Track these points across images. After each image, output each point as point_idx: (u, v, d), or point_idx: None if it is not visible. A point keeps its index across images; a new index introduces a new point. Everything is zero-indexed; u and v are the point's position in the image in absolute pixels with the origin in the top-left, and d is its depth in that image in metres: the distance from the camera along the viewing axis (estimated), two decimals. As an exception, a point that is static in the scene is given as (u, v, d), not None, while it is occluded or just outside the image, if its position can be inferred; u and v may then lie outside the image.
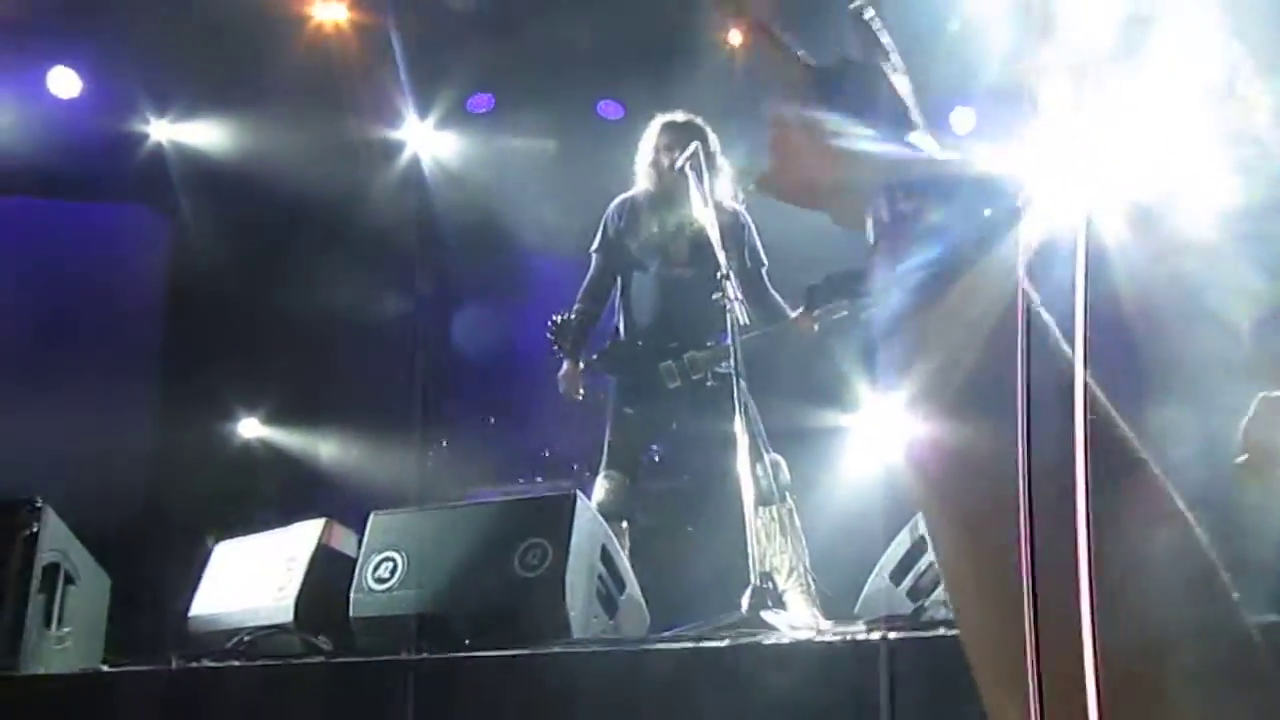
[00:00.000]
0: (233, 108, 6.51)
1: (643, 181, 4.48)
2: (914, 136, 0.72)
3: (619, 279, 4.51)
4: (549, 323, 4.44)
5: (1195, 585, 0.51)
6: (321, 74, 6.27)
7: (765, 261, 4.47)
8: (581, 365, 4.44)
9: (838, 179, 0.73)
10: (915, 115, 0.74)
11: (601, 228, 4.52)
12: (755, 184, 0.82)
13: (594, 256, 4.53)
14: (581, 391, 4.44)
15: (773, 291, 4.41)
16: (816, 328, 4.23)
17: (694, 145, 4.07)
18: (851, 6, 0.83)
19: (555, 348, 4.42)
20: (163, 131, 6.62)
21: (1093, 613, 0.48)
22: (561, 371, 4.44)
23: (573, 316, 4.45)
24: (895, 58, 0.80)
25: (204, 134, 6.63)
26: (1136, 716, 0.50)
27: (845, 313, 4.18)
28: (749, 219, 4.48)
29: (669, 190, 4.34)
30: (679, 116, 4.46)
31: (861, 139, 0.72)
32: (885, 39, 0.81)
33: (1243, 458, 0.98)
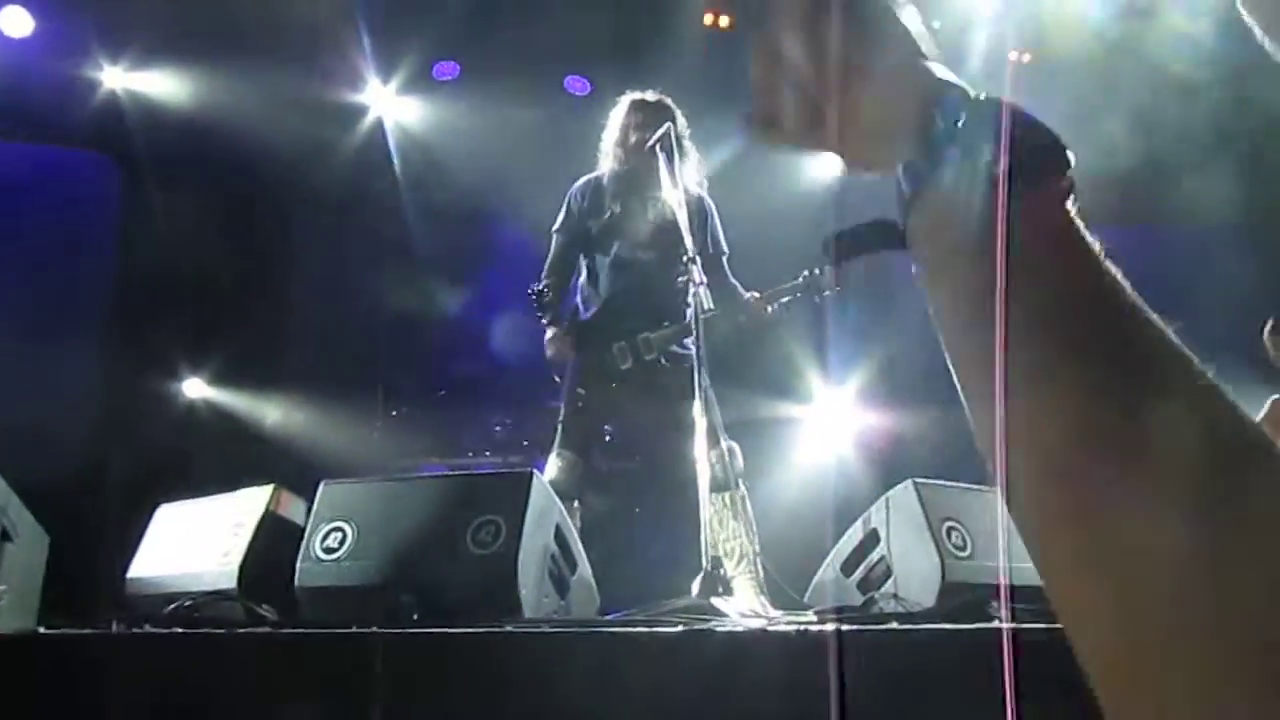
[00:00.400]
0: (189, 59, 6.35)
1: (608, 161, 4.45)
2: (932, 66, 0.67)
3: (580, 259, 4.48)
4: (530, 291, 4.37)
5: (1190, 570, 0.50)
6: (283, 29, 6.13)
7: (726, 249, 4.46)
8: (568, 333, 4.37)
9: (852, 108, 0.67)
10: (929, 45, 0.68)
11: (564, 207, 4.48)
12: (749, 129, 0.74)
13: (555, 236, 4.50)
14: (570, 349, 4.36)
15: (732, 279, 4.40)
16: (770, 310, 4.24)
17: (666, 125, 4.05)
18: None
19: (540, 315, 4.36)
20: (117, 79, 6.44)
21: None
22: (549, 336, 4.37)
23: (544, 288, 4.40)
24: None
25: (159, 84, 6.46)
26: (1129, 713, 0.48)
27: (799, 295, 4.20)
28: (712, 206, 4.47)
29: (635, 171, 4.31)
30: (649, 96, 4.43)
31: (881, 61, 0.66)
32: None
33: None
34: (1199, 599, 0.45)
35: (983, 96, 0.62)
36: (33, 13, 6.01)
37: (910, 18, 0.70)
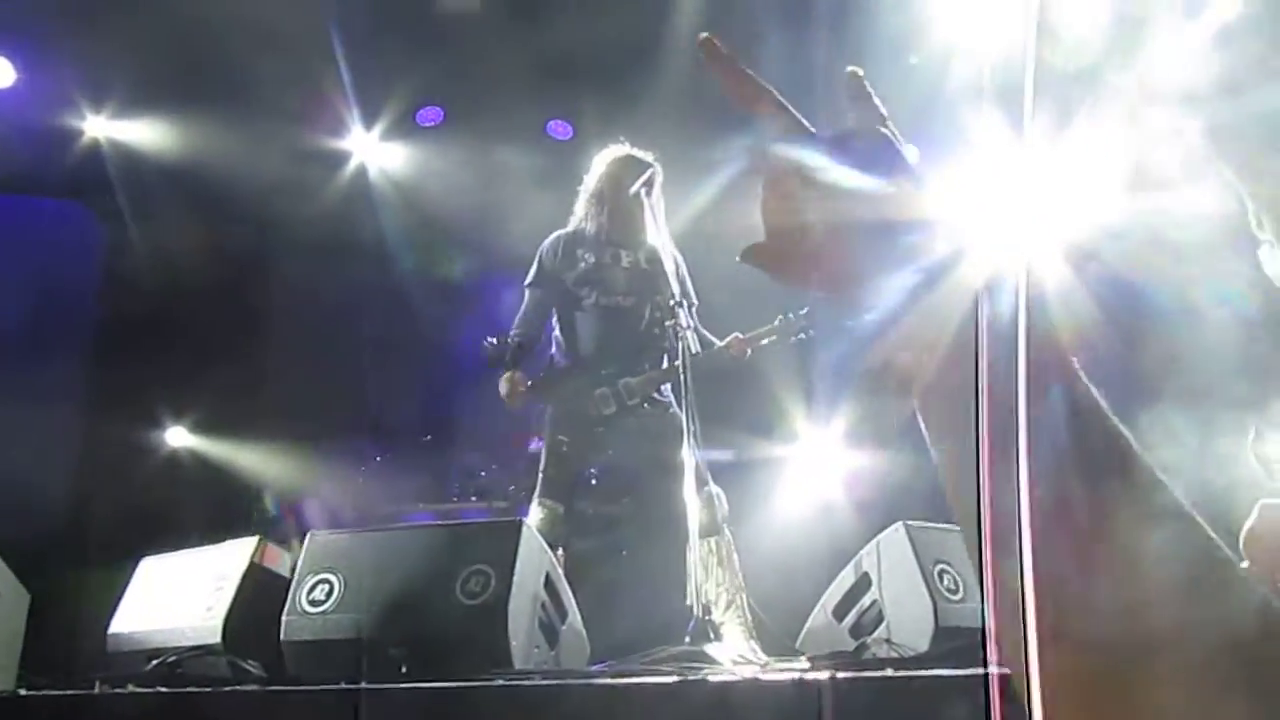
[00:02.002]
0: (173, 106, 6.34)
1: (586, 212, 4.48)
2: (926, 204, 0.70)
3: (555, 312, 4.49)
4: (483, 342, 4.39)
5: (1188, 584, 0.51)
6: (266, 77, 6.15)
7: (695, 300, 4.46)
8: (522, 376, 4.36)
9: (846, 260, 0.71)
10: (926, 182, 0.72)
11: (537, 261, 4.50)
12: (744, 256, 0.78)
13: (527, 291, 4.51)
14: (524, 390, 4.34)
15: (701, 328, 4.41)
16: (749, 352, 4.25)
17: (651, 170, 4.08)
18: (848, 71, 0.81)
19: (491, 364, 4.37)
20: (99, 128, 6.43)
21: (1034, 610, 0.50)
22: (503, 379, 4.35)
23: (509, 339, 4.41)
24: (892, 125, 0.78)
25: (142, 133, 6.44)
26: (1126, 714, 0.49)
27: (775, 338, 4.22)
28: (678, 254, 4.48)
29: (617, 223, 4.34)
30: (638, 152, 4.46)
31: (878, 212, 0.70)
32: (881, 107, 0.79)
33: (1244, 565, 0.98)
34: None
35: None
36: (15, 63, 6.00)
37: (909, 152, 0.74)
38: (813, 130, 0.75)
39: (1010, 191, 0.68)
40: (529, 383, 4.35)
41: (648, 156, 4.38)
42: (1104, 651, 0.50)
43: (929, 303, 0.65)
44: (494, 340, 4.39)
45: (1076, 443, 0.54)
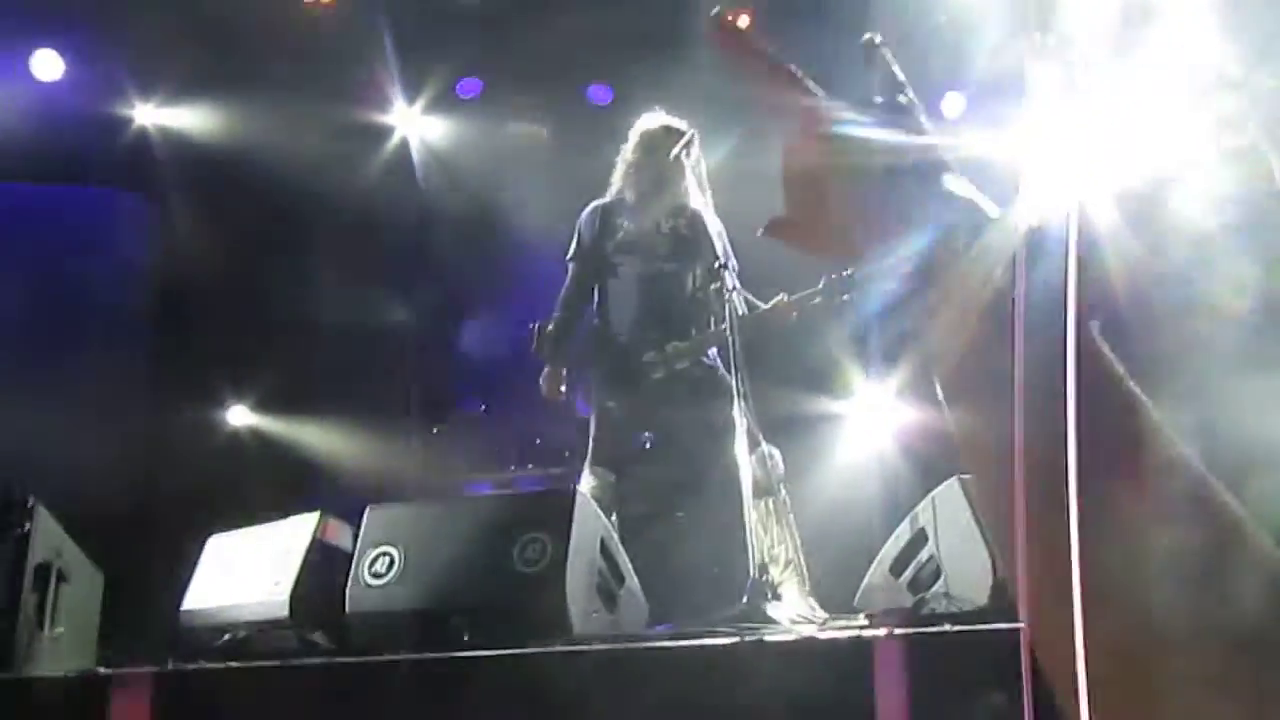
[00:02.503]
0: (218, 92, 6.42)
1: (624, 181, 4.47)
2: (950, 179, 0.68)
3: (596, 284, 4.50)
4: (528, 327, 4.46)
5: (1194, 585, 0.50)
6: (309, 58, 6.20)
7: (737, 264, 4.43)
8: (564, 370, 4.46)
9: (870, 230, 0.70)
10: (947, 154, 0.70)
11: (576, 235, 4.51)
12: (767, 229, 0.78)
13: (569, 265, 4.53)
14: (563, 390, 4.46)
15: (744, 291, 4.39)
16: (795, 315, 4.22)
17: (691, 133, 4.06)
18: (864, 39, 0.80)
19: (535, 351, 4.44)
20: (148, 115, 6.53)
21: (1084, 606, 0.49)
22: (543, 374, 4.47)
23: (550, 325, 4.45)
24: (910, 93, 0.76)
25: (190, 119, 6.54)
26: (1130, 716, 0.49)
27: (820, 299, 4.18)
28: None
29: (655, 190, 4.33)
30: (673, 120, 4.44)
31: (899, 182, 0.69)
32: (900, 73, 0.78)
33: None
34: None
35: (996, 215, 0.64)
36: (63, 55, 6.11)
37: (927, 122, 0.73)
38: (829, 100, 0.75)
39: (1053, 143, 0.66)
40: (564, 374, 4.43)
41: (683, 123, 4.36)
42: (1104, 653, 0.49)
43: (958, 269, 0.64)
44: (534, 327, 4.45)
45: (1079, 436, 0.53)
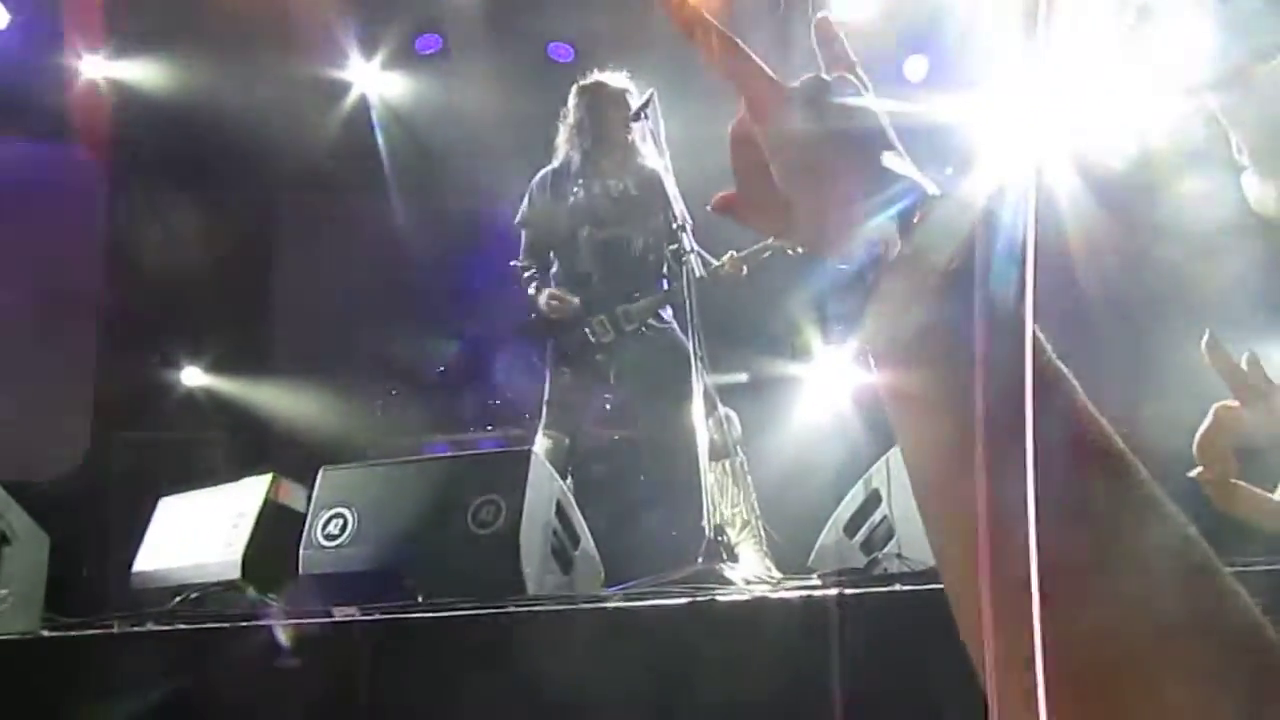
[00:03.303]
0: (169, 45, 6.27)
1: (564, 146, 4.44)
2: (890, 158, 0.68)
3: (549, 249, 4.48)
4: (513, 264, 4.44)
5: (1183, 578, 0.49)
6: (264, 11, 6.06)
7: (690, 220, 4.42)
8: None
9: (814, 205, 0.69)
10: (892, 135, 0.70)
11: (527, 200, 4.49)
12: (715, 206, 0.78)
13: (522, 230, 4.50)
14: (560, 299, 4.31)
15: (699, 248, 4.39)
16: (745, 270, 4.21)
17: (649, 94, 4.02)
18: (817, 17, 0.79)
19: (525, 273, 4.40)
20: (97, 68, 6.37)
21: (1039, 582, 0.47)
22: (543, 299, 4.31)
23: (523, 265, 4.44)
24: (860, 71, 0.76)
25: (140, 71, 6.38)
26: (1121, 712, 0.48)
27: (770, 253, 4.18)
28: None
29: (596, 150, 4.32)
30: (610, 78, 4.40)
31: (840, 160, 0.68)
32: (850, 52, 0.77)
33: (1196, 471, 0.97)
34: None
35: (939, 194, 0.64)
36: (7, 4, 5.93)
37: (873, 101, 0.72)
38: (777, 80, 0.74)
39: (1017, 106, 0.66)
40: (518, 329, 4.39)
41: (623, 78, 4.34)
42: (1098, 646, 0.48)
43: (899, 249, 0.63)
44: (519, 263, 4.43)
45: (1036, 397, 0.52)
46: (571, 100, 4.45)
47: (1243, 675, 0.47)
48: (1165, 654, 0.47)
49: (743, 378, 5.16)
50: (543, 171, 4.51)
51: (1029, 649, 0.46)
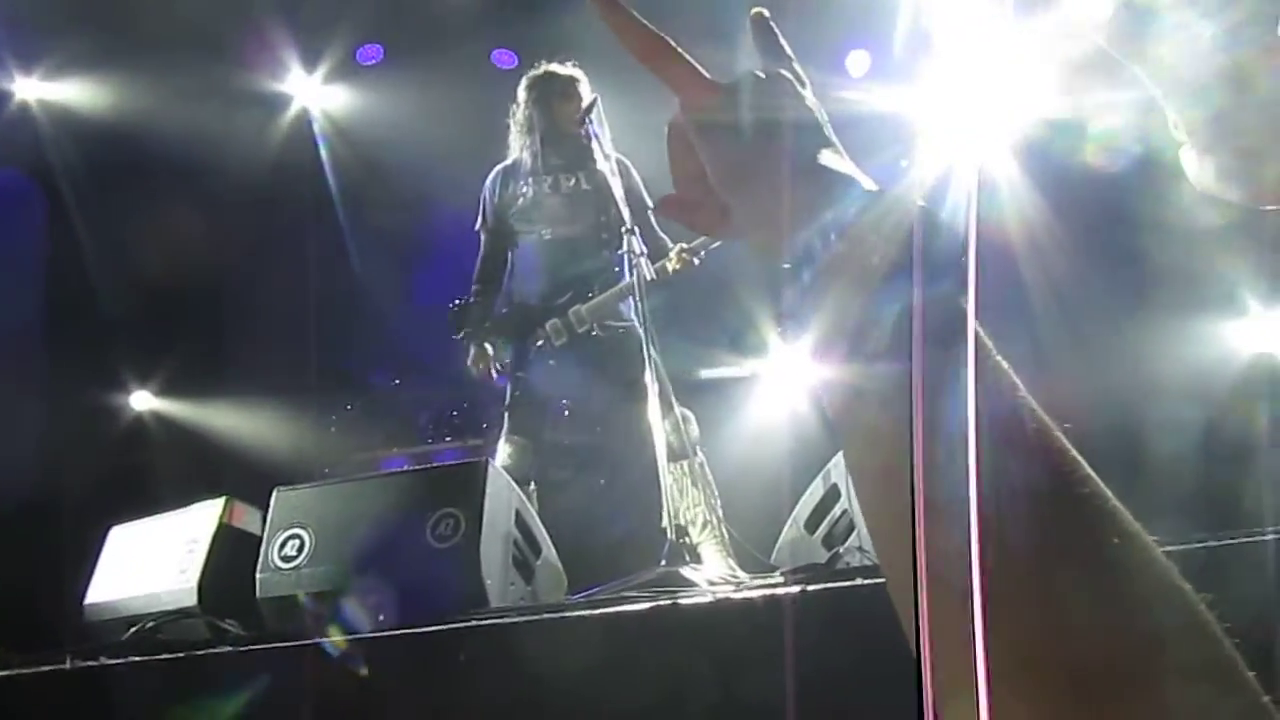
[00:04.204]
0: (106, 64, 6.16)
1: (518, 142, 4.43)
2: (827, 155, 0.67)
3: (508, 252, 4.47)
4: (450, 306, 4.41)
5: (1128, 575, 0.49)
6: (201, 26, 5.97)
7: (650, 202, 4.43)
8: (490, 347, 4.41)
9: (751, 204, 0.69)
10: (828, 131, 0.70)
11: (481, 203, 4.47)
12: (657, 207, 0.78)
13: (481, 235, 4.49)
14: (495, 371, 4.40)
15: (659, 231, 4.39)
16: (697, 261, 4.21)
17: (594, 98, 4.01)
18: (753, 12, 0.78)
19: (459, 333, 4.39)
20: (31, 90, 6.24)
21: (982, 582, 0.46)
22: (470, 356, 4.41)
23: (472, 299, 4.41)
24: (797, 67, 0.75)
25: (76, 93, 6.26)
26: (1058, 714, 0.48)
27: (719, 243, 4.18)
28: (629, 164, 4.44)
29: (550, 148, 4.31)
30: (558, 68, 4.39)
31: (775, 158, 0.68)
32: (787, 47, 0.77)
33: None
34: None
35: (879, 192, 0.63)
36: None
37: (810, 98, 0.72)
38: (710, 79, 0.73)
39: (954, 99, 0.66)
40: (491, 352, 4.38)
41: (569, 68, 4.33)
42: (1093, 650, 0.48)
43: (836, 247, 0.62)
44: (456, 306, 4.40)
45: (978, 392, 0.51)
46: (520, 94, 4.43)
47: (1190, 671, 0.47)
48: (1110, 651, 0.47)
49: (699, 376, 5.17)
50: (495, 170, 4.49)
51: (970, 646, 0.46)
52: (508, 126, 4.50)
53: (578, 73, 4.33)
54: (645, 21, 0.74)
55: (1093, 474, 0.52)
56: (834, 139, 0.70)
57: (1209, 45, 0.84)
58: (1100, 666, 0.47)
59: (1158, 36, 0.88)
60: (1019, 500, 0.50)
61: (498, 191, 4.42)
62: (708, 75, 0.73)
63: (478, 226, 4.49)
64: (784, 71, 0.74)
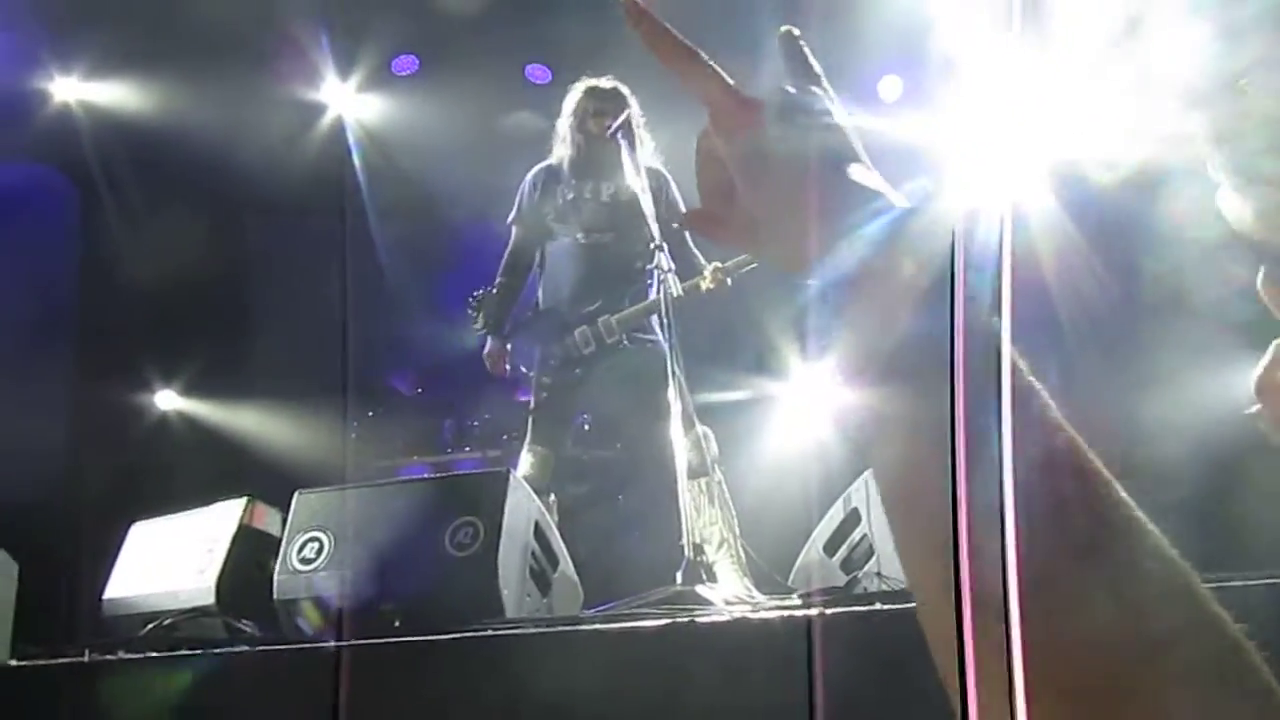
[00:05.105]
0: (144, 67, 6.23)
1: (561, 148, 4.45)
2: (857, 170, 0.67)
3: (537, 249, 4.48)
4: (468, 298, 4.42)
5: (1162, 599, 0.49)
6: (238, 32, 6.04)
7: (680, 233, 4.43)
8: (507, 344, 4.42)
9: (779, 219, 0.68)
10: (859, 147, 0.69)
11: (517, 199, 4.48)
12: (683, 220, 0.80)
13: (512, 229, 4.50)
14: (508, 367, 4.42)
15: (693, 247, 4.39)
16: (729, 281, 4.20)
17: (626, 112, 4.03)
18: (781, 30, 0.78)
19: (476, 324, 4.40)
20: (70, 90, 6.32)
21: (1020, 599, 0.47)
22: (486, 349, 4.43)
23: (494, 290, 4.42)
24: (826, 84, 0.75)
25: (114, 94, 6.33)
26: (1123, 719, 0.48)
27: (756, 264, 4.17)
28: (669, 176, 4.45)
29: (590, 156, 4.32)
30: (604, 82, 4.41)
31: (804, 173, 0.67)
32: (815, 65, 0.76)
33: (1254, 408, 0.95)
34: None
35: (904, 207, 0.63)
36: (-21, 26, 5.89)
37: (840, 113, 0.71)
38: (741, 93, 0.73)
39: (989, 129, 0.65)
40: (509, 348, 4.39)
41: (612, 83, 4.35)
42: (1098, 656, 0.48)
43: (867, 265, 0.62)
44: (476, 297, 4.41)
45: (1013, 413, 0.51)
46: (564, 105, 4.45)
47: (1222, 699, 0.46)
48: (1143, 675, 0.47)
49: (722, 396, 5.16)
50: (536, 168, 4.51)
51: (1007, 664, 0.46)
52: (549, 135, 4.53)
53: (621, 87, 4.34)
54: (677, 33, 0.74)
55: (1127, 497, 0.52)
56: (864, 155, 0.69)
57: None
58: (1135, 690, 0.46)
59: (1218, 76, 0.87)
60: (1055, 523, 0.50)
61: (538, 187, 4.44)
62: (738, 89, 0.73)
63: (510, 219, 4.51)
64: (814, 88, 0.74)
